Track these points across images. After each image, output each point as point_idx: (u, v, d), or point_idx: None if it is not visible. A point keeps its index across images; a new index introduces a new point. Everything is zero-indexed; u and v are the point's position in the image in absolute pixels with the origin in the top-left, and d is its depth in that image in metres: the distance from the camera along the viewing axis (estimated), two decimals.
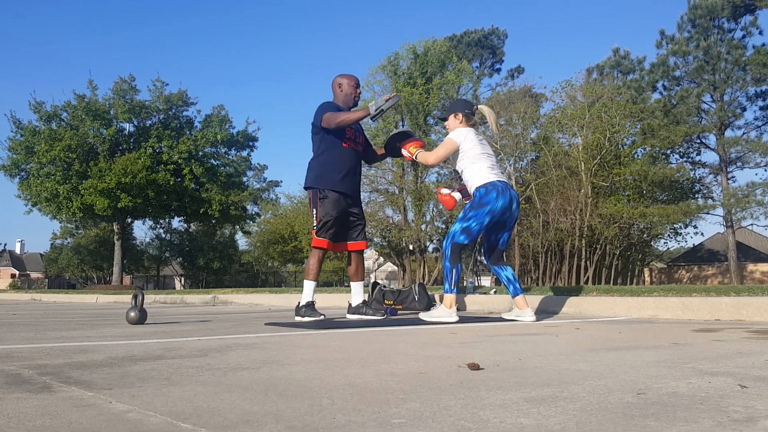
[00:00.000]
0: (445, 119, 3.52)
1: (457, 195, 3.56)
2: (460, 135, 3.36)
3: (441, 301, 3.42)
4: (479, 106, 3.54)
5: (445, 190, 3.59)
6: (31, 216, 31.40)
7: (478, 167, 3.33)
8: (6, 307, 6.88)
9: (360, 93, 3.85)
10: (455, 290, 3.29)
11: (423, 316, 3.40)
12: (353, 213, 3.74)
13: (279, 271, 41.31)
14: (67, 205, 18.60)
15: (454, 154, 3.40)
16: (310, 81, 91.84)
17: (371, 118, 3.61)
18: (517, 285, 3.42)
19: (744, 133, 21.06)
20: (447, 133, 3.51)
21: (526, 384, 1.27)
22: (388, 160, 15.99)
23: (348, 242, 3.75)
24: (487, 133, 16.94)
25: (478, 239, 3.60)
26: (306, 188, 3.73)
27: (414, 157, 3.53)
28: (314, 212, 3.64)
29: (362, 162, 3.89)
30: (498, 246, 3.48)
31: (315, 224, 3.62)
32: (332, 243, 3.65)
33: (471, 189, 3.37)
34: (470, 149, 3.34)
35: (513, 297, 3.43)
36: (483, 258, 3.68)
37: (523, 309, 3.35)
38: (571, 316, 3.70)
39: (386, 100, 3.53)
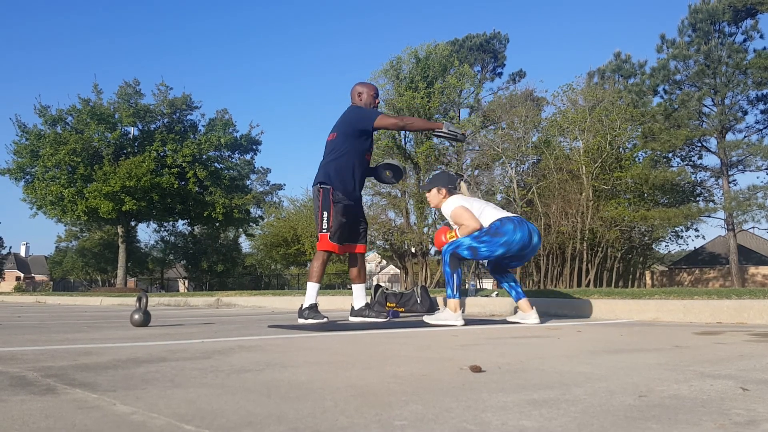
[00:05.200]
0: (428, 191, 3.53)
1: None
2: (456, 202, 3.34)
3: (446, 305, 3.41)
4: (460, 183, 3.52)
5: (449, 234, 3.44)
6: (36, 219, 31.43)
7: (486, 215, 3.30)
8: (11, 309, 6.90)
9: (379, 103, 3.85)
10: (458, 295, 3.25)
11: (428, 319, 3.37)
12: (360, 217, 3.77)
13: (282, 274, 41.35)
14: (72, 209, 18.66)
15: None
16: (313, 84, 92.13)
17: (434, 133, 3.61)
18: (519, 289, 3.43)
19: (745, 137, 21.06)
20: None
21: (527, 386, 1.27)
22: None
23: (354, 244, 3.76)
24: (489, 137, 16.94)
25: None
26: (319, 184, 3.60)
27: (459, 236, 3.32)
28: (324, 213, 3.56)
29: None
30: (507, 267, 3.51)
31: (325, 227, 3.56)
32: (342, 246, 3.65)
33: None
34: (471, 208, 3.32)
35: (516, 301, 3.44)
36: (486, 267, 3.67)
37: (528, 311, 3.36)
38: (573, 319, 3.70)
39: (462, 134, 3.59)
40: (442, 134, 3.53)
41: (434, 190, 3.48)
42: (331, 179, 3.59)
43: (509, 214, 3.34)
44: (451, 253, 3.26)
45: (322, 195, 3.59)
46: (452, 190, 3.47)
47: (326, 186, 3.58)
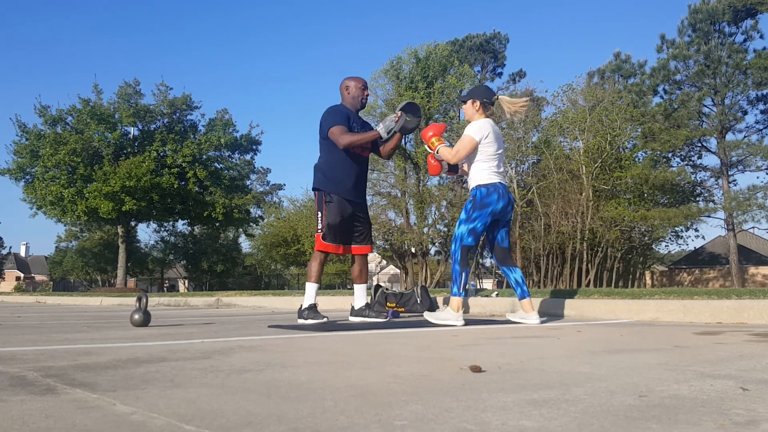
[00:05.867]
0: (464, 102, 3.50)
1: (444, 165, 3.53)
2: (479, 131, 3.33)
3: (447, 303, 3.41)
4: (499, 97, 3.50)
5: (437, 157, 3.53)
6: (36, 219, 31.45)
7: (485, 166, 3.33)
8: (11, 309, 6.90)
9: (368, 95, 3.86)
10: (463, 294, 3.28)
11: (429, 316, 3.38)
12: (359, 217, 3.75)
13: (282, 274, 41.36)
14: (72, 209, 18.66)
15: None
16: (314, 84, 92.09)
17: (381, 142, 3.62)
18: (525, 288, 3.41)
19: (745, 137, 21.08)
20: (463, 120, 3.55)
21: (527, 386, 1.27)
22: (390, 162, 16.02)
23: (353, 245, 3.76)
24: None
25: (481, 241, 3.60)
26: (314, 189, 3.72)
27: (436, 151, 3.48)
28: (318, 214, 3.64)
29: (368, 166, 3.91)
30: (499, 243, 3.48)
31: (319, 227, 3.63)
32: (337, 246, 3.66)
33: (471, 184, 3.38)
34: (484, 146, 3.33)
35: (519, 299, 3.42)
36: (491, 259, 3.71)
37: (529, 312, 3.35)
38: (573, 319, 3.70)
39: (395, 121, 3.55)
40: (391, 133, 3.55)
41: (469, 102, 3.45)
42: (321, 182, 3.65)
43: (497, 180, 3.33)
44: (461, 248, 3.28)
45: (317, 198, 3.69)
46: (487, 104, 3.44)
47: (319, 190, 3.66)
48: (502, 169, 3.43)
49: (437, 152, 3.48)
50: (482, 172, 3.34)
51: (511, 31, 63.36)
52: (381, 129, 3.58)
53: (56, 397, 1.18)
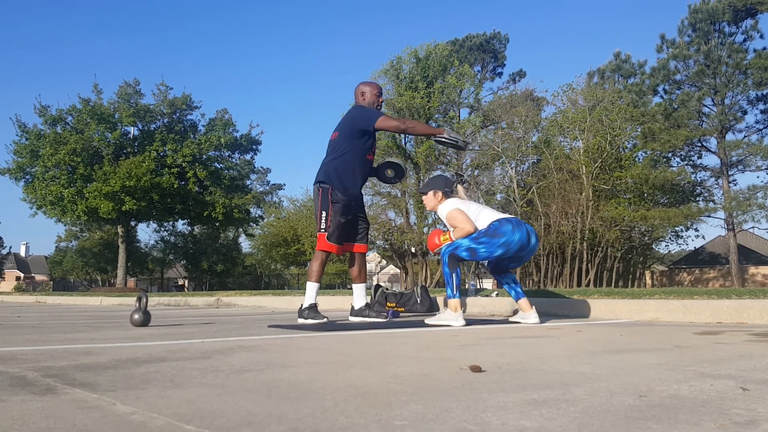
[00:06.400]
0: (424, 193, 3.52)
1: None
2: (451, 204, 3.35)
3: (446, 306, 3.40)
4: (457, 186, 3.54)
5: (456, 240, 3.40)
6: (36, 219, 31.47)
7: (483, 217, 3.29)
8: (11, 309, 6.90)
9: (383, 101, 3.86)
10: (458, 294, 3.26)
11: (429, 321, 3.37)
12: (360, 216, 3.77)
13: (282, 274, 41.39)
14: (72, 209, 18.68)
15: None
16: (314, 84, 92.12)
17: (434, 139, 3.57)
18: (519, 289, 3.43)
19: (745, 137, 21.09)
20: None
21: (527, 386, 1.27)
22: None
23: (355, 243, 3.76)
24: (489, 137, 16.93)
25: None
26: (319, 183, 3.62)
27: (453, 241, 3.33)
28: (322, 213, 3.57)
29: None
30: (507, 268, 3.50)
31: (323, 227, 3.57)
32: (341, 246, 3.65)
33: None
34: (468, 211, 3.32)
35: (516, 300, 3.44)
36: (486, 267, 3.68)
37: (527, 311, 3.36)
38: (573, 319, 3.70)
39: (464, 141, 3.52)
40: (443, 140, 3.50)
41: (430, 193, 3.48)
42: (330, 178, 3.59)
43: (507, 215, 3.34)
44: (449, 254, 3.27)
45: (321, 194, 3.59)
46: (448, 194, 3.46)
47: (325, 185, 3.59)
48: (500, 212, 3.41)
49: (454, 239, 3.33)
50: (487, 218, 3.28)
51: (511, 31, 63.31)
52: (448, 131, 3.51)
53: (56, 397, 1.18)
